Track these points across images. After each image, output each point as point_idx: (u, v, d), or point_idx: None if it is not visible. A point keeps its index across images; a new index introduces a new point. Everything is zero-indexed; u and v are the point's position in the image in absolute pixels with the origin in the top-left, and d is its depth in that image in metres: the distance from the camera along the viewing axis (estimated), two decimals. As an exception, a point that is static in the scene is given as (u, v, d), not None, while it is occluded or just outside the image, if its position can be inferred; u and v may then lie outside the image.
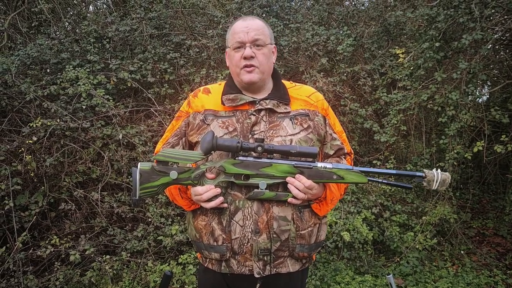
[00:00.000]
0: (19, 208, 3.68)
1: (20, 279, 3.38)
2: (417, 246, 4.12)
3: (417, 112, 4.41)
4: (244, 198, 1.60)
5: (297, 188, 1.56)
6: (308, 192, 1.57)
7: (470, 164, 4.93)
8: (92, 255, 3.56)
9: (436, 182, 1.56)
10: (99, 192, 3.82)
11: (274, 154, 1.59)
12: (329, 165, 1.58)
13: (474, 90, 4.26)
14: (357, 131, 4.67)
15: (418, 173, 1.59)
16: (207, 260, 1.71)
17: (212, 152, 1.57)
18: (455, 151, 4.11)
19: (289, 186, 1.57)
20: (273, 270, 1.63)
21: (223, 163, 1.56)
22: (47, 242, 3.55)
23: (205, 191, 1.56)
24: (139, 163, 1.57)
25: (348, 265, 3.99)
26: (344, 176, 1.58)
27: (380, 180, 1.67)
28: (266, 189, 1.56)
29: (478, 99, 4.75)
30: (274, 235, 1.60)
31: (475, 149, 4.11)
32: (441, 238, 4.49)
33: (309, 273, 3.80)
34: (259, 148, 1.53)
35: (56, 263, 3.51)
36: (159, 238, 3.78)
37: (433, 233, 4.31)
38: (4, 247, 3.55)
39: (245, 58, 1.64)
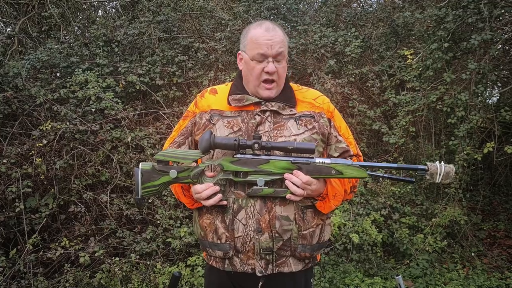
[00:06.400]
0: (30, 211, 3.71)
1: (30, 281, 3.41)
2: (427, 248, 4.08)
3: (426, 113, 4.37)
4: (247, 197, 1.61)
5: (295, 184, 1.55)
6: (307, 187, 1.57)
7: (480, 165, 4.89)
8: (102, 257, 3.57)
9: (439, 175, 1.51)
10: (108, 194, 3.85)
11: (272, 151, 1.59)
12: (327, 160, 1.58)
13: (484, 91, 4.23)
14: (366, 133, 4.65)
15: (420, 166, 1.55)
16: (212, 258, 1.74)
17: (211, 150, 1.59)
18: (465, 152, 4.07)
19: (286, 182, 1.56)
20: (275, 269, 1.65)
21: (221, 161, 1.58)
22: (57, 244, 3.57)
23: (204, 189, 1.58)
24: (140, 163, 1.60)
25: (357, 267, 3.96)
26: (342, 171, 1.57)
27: (381, 174, 1.65)
28: (264, 185, 1.56)
29: (488, 100, 4.70)
30: (276, 235, 1.61)
31: (485, 150, 4.07)
32: (451, 240, 4.44)
33: (317, 274, 3.78)
34: (256, 145, 1.54)
35: (66, 265, 3.53)
36: (168, 240, 3.80)
37: (443, 235, 4.27)
38: (15, 249, 3.59)
39: (267, 73, 1.64)
